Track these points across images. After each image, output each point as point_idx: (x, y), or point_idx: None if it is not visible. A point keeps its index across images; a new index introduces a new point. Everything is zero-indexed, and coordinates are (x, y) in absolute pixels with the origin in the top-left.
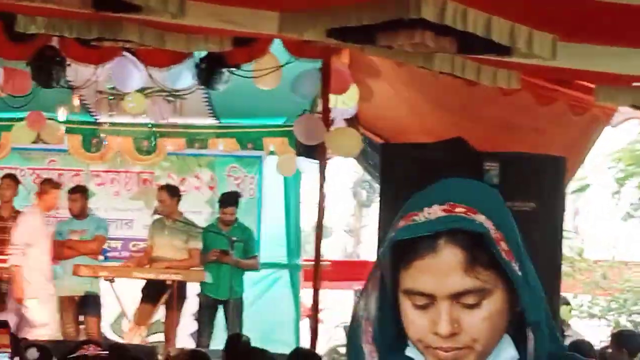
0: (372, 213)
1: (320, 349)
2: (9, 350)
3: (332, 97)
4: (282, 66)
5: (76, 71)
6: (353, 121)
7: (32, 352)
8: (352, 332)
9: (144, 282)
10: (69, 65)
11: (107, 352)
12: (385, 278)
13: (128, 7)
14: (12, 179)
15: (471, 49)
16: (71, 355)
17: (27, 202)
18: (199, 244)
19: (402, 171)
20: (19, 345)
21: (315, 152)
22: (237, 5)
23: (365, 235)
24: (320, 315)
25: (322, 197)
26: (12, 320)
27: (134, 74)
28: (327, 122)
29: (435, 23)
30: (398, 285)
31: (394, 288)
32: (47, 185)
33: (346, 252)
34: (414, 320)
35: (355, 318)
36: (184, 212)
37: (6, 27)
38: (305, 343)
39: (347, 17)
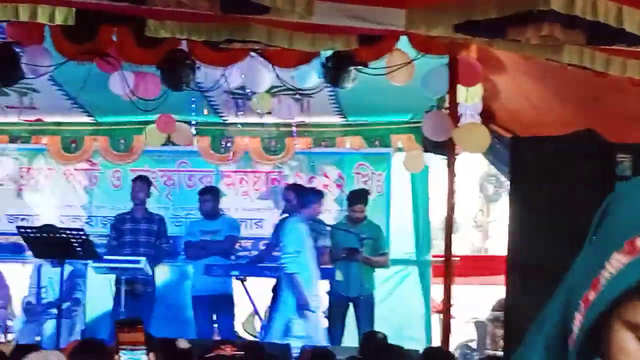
0: (500, 207)
1: (451, 345)
2: (145, 347)
3: (460, 93)
4: (412, 61)
5: (205, 73)
6: (481, 116)
7: (183, 342)
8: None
9: (274, 281)
10: (198, 68)
11: (243, 352)
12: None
13: (256, 8)
14: (144, 181)
15: (600, 39)
16: (208, 355)
17: (158, 203)
18: (327, 242)
19: (533, 165)
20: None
21: (443, 147)
22: (364, 3)
23: (493, 229)
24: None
25: (451, 192)
26: None
27: (264, 74)
28: (455, 117)
29: (564, 14)
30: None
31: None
32: None
33: (474, 247)
34: (634, 353)
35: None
36: None
37: (136, 31)
38: (436, 339)
39: (474, 11)
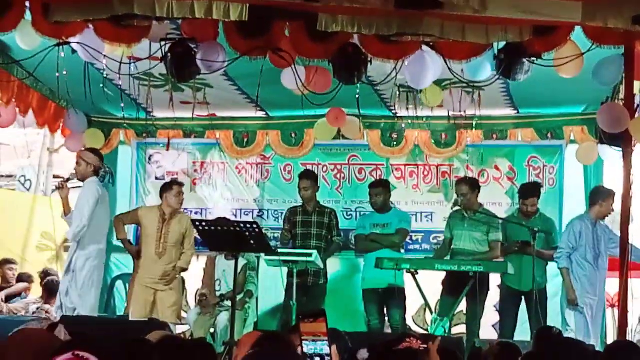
0: None
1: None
2: (326, 338)
3: (636, 84)
4: (583, 54)
5: (375, 66)
6: None
7: (362, 353)
8: None
9: (444, 274)
10: (369, 61)
11: (426, 346)
12: None
13: (430, 3)
14: (310, 177)
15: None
16: (396, 348)
17: (329, 196)
18: (499, 236)
19: None
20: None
21: (619, 139)
22: None
23: None
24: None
25: (628, 185)
26: None
27: (428, 70)
28: (631, 109)
29: None
30: None
31: None
32: None
33: None
34: None
35: None
36: (484, 203)
37: (308, 26)
38: (610, 334)
39: None
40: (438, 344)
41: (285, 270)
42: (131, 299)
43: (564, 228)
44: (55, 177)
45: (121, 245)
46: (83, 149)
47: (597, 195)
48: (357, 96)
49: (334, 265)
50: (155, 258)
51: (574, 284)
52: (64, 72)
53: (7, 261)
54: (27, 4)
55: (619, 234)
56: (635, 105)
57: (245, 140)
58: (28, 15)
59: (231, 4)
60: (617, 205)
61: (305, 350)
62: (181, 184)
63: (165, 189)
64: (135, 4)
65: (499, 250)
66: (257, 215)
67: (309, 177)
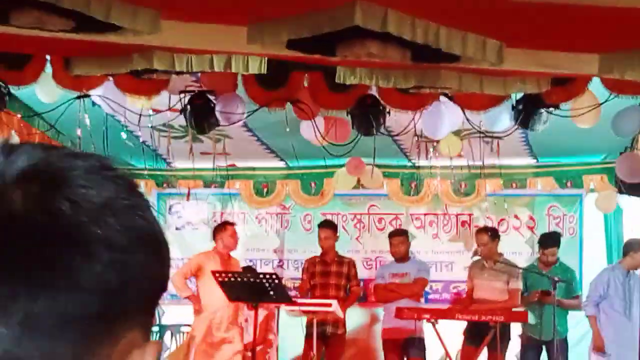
0: None
1: None
2: None
3: None
4: (601, 104)
5: (394, 117)
6: None
7: None
8: None
9: (465, 324)
10: (388, 112)
11: None
12: None
13: (447, 57)
14: (330, 226)
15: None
16: None
17: (349, 246)
18: (519, 285)
19: None
20: None
21: (638, 188)
22: (557, 50)
23: None
24: None
25: None
26: None
27: (445, 121)
28: None
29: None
30: None
31: None
32: None
33: None
34: None
35: None
36: (504, 253)
37: (326, 78)
38: None
39: None
40: None
41: (304, 320)
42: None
43: (584, 277)
44: None
45: None
46: None
47: (629, 247)
48: (374, 147)
49: (353, 315)
50: (225, 302)
51: (601, 331)
52: (87, 124)
53: None
54: (48, 57)
55: None
56: None
57: (265, 190)
58: (48, 68)
59: (250, 57)
60: None
61: None
62: (233, 224)
63: (218, 230)
64: (154, 59)
65: (519, 299)
66: (277, 265)
67: (328, 226)
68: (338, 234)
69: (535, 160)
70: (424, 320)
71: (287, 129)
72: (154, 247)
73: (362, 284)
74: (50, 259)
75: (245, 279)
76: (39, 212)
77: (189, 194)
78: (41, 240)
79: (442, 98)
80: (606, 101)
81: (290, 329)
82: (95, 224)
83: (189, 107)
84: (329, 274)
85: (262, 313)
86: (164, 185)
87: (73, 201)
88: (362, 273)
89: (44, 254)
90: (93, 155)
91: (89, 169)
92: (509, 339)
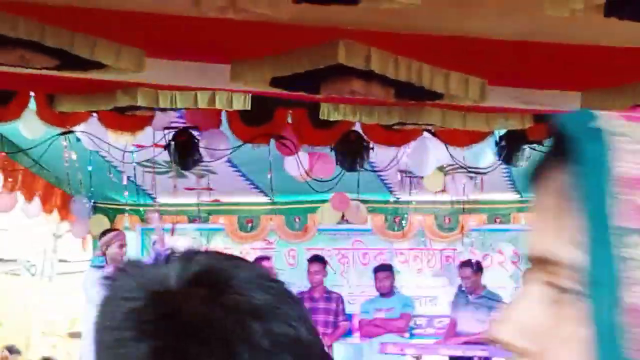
0: None
1: None
2: None
3: None
4: None
5: (378, 152)
6: None
7: None
8: None
9: (448, 359)
10: (371, 148)
11: None
12: None
13: (430, 94)
14: (321, 261)
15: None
16: None
17: (334, 281)
18: None
19: None
20: None
21: None
22: (540, 88)
23: None
24: None
25: None
26: None
27: (430, 157)
28: None
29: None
30: None
31: None
32: None
33: None
34: None
35: None
36: (488, 287)
37: (310, 114)
38: None
39: None
40: None
41: None
42: None
43: None
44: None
45: None
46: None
47: None
48: (358, 182)
49: (339, 350)
50: None
51: None
52: (73, 159)
53: (11, 350)
54: (32, 93)
55: None
56: None
57: (250, 225)
58: (32, 104)
59: (234, 93)
60: None
61: None
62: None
63: None
64: (138, 95)
65: None
66: None
67: (318, 260)
68: (326, 269)
69: (519, 195)
70: (409, 355)
71: (272, 164)
72: (297, 351)
73: (348, 319)
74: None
75: None
76: (200, 314)
77: (173, 230)
78: (199, 338)
79: (425, 134)
80: None
81: None
82: (241, 327)
83: (172, 143)
84: (317, 310)
85: None
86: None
87: (227, 306)
88: (347, 308)
89: (201, 349)
90: (254, 266)
91: (248, 278)
92: None
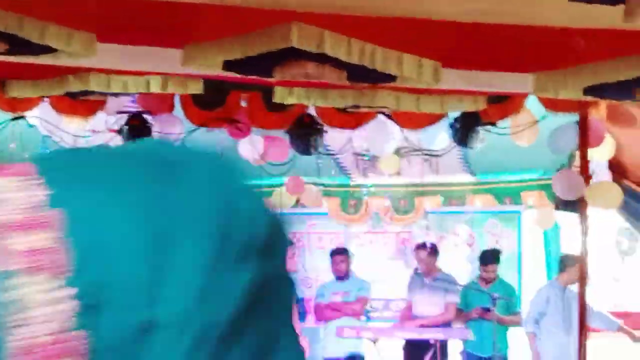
0: (635, 261)
1: None
2: None
3: (590, 150)
4: (538, 121)
5: (332, 136)
6: (612, 172)
7: None
8: None
9: (404, 342)
10: (325, 131)
11: None
12: None
13: (383, 77)
14: None
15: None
16: None
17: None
18: (455, 298)
19: None
20: None
21: (575, 205)
22: (491, 70)
23: (628, 284)
24: None
25: (584, 251)
26: None
27: (388, 137)
28: (587, 175)
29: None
30: None
31: None
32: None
33: (610, 303)
34: None
35: None
36: (444, 269)
37: (263, 97)
38: None
39: (604, 74)
40: None
41: None
42: None
43: (523, 293)
44: None
45: None
46: None
47: (565, 262)
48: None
49: None
50: None
51: (541, 349)
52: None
53: None
54: None
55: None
56: (590, 171)
57: None
58: None
59: (187, 78)
60: None
61: None
62: None
63: None
64: (90, 80)
65: (454, 313)
66: None
67: None
68: None
69: (474, 178)
70: (365, 339)
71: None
72: None
73: (302, 303)
74: None
75: None
76: None
77: None
78: None
79: (380, 116)
80: (543, 118)
81: None
82: None
83: (125, 127)
84: None
85: None
86: None
87: None
88: (303, 292)
89: None
90: None
91: None
92: (447, 355)
